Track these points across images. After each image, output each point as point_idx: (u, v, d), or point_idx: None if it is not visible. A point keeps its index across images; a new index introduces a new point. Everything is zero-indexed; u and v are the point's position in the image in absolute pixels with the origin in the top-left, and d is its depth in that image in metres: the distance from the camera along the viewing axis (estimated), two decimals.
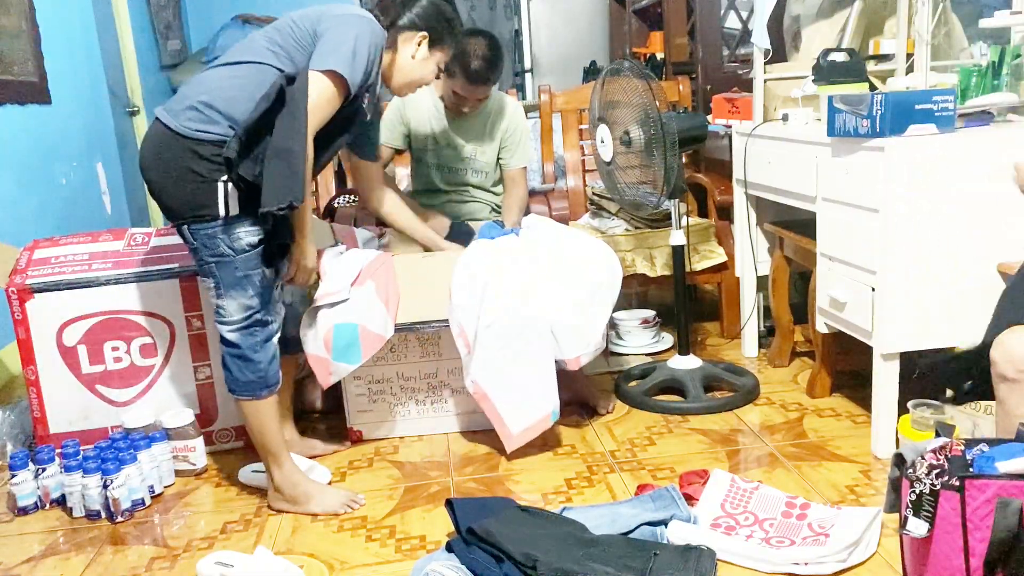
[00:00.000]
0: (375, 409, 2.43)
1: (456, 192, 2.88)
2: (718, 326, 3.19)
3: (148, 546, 1.97)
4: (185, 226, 1.93)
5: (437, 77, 2.24)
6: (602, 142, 2.58)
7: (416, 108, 2.80)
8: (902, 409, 2.07)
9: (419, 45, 2.12)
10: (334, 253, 2.32)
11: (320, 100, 1.88)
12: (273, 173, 1.81)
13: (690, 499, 1.91)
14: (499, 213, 2.91)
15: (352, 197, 3.25)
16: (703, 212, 3.33)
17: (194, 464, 2.29)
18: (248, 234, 1.91)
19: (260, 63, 1.92)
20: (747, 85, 2.87)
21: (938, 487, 1.32)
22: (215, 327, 2.00)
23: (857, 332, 2.14)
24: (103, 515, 2.09)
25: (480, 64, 2.56)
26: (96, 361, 2.35)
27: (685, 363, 2.64)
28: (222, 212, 1.88)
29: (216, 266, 1.93)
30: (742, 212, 2.82)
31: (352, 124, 2.07)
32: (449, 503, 1.85)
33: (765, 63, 2.66)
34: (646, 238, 3.00)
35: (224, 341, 1.98)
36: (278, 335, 2.04)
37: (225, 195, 1.87)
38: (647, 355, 3.02)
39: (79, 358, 2.34)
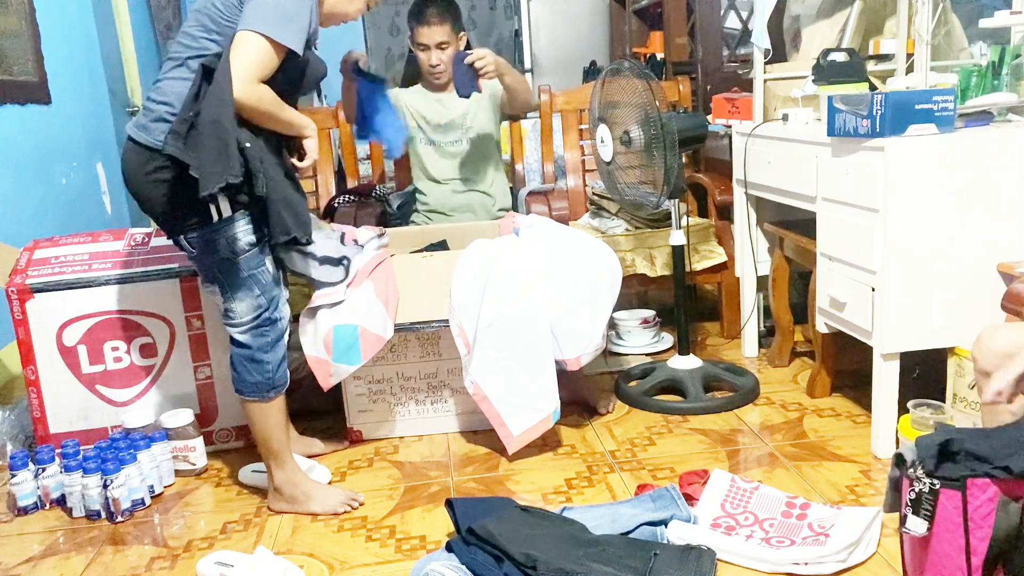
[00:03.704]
0: (375, 409, 2.43)
1: (453, 182, 2.89)
2: (718, 326, 3.19)
3: (148, 546, 1.97)
4: (182, 236, 1.92)
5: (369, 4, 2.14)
6: (602, 142, 2.58)
7: (408, 96, 2.93)
8: (902, 409, 2.07)
9: None
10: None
11: (251, 58, 1.77)
12: (205, 151, 1.74)
13: (690, 499, 1.91)
14: (500, 215, 2.91)
15: (352, 197, 3.25)
16: (703, 212, 3.33)
17: (194, 464, 2.29)
18: (246, 233, 1.91)
19: (207, 55, 1.84)
20: (747, 85, 2.87)
21: (938, 486, 1.32)
22: (219, 329, 2.00)
23: (857, 332, 2.14)
24: (103, 515, 2.09)
25: (426, 4, 2.73)
26: (96, 361, 2.35)
27: (685, 363, 2.64)
28: (215, 216, 1.86)
29: (219, 270, 1.92)
30: (742, 212, 2.82)
31: (303, 79, 1.96)
32: (449, 503, 1.85)
33: (765, 63, 2.66)
34: (646, 238, 3.00)
35: (234, 342, 1.98)
36: (287, 334, 2.04)
37: (215, 198, 1.84)
38: (647, 355, 3.02)
39: (79, 358, 2.34)
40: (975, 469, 1.29)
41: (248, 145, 1.80)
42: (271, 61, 1.80)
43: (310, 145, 1.98)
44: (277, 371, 2.00)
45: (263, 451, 2.04)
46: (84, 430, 2.36)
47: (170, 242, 2.37)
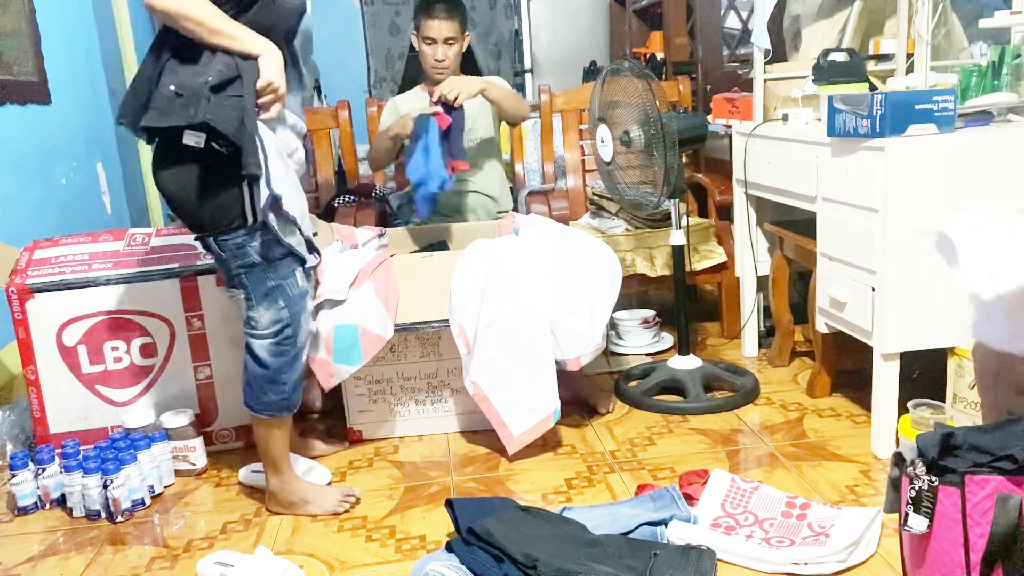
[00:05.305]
0: (375, 409, 2.43)
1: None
2: (718, 326, 3.19)
3: (148, 546, 1.97)
4: (211, 238, 1.83)
5: None
6: (602, 142, 2.58)
7: (407, 102, 2.92)
8: (902, 409, 2.07)
9: None
10: (333, 251, 2.32)
11: None
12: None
13: (690, 499, 1.91)
14: (500, 215, 2.92)
15: (352, 197, 3.25)
16: (703, 212, 3.33)
17: (194, 464, 2.29)
18: (278, 239, 1.84)
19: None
20: (747, 85, 2.87)
21: (936, 483, 1.32)
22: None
23: (857, 332, 2.14)
24: (103, 515, 2.09)
25: None
26: (96, 361, 2.35)
27: (685, 363, 2.64)
28: (250, 219, 1.78)
29: (246, 276, 1.86)
30: (742, 212, 2.82)
31: (272, 9, 1.80)
32: (449, 503, 1.85)
33: (765, 63, 2.66)
34: (646, 238, 3.00)
35: (254, 358, 1.92)
36: (306, 353, 1.99)
37: (250, 198, 1.76)
38: (647, 355, 3.02)
39: (79, 358, 2.34)
40: (978, 461, 1.29)
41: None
42: None
43: (264, 64, 1.75)
44: (293, 392, 1.96)
45: (262, 456, 2.03)
46: (84, 430, 2.36)
47: (170, 242, 2.39)
